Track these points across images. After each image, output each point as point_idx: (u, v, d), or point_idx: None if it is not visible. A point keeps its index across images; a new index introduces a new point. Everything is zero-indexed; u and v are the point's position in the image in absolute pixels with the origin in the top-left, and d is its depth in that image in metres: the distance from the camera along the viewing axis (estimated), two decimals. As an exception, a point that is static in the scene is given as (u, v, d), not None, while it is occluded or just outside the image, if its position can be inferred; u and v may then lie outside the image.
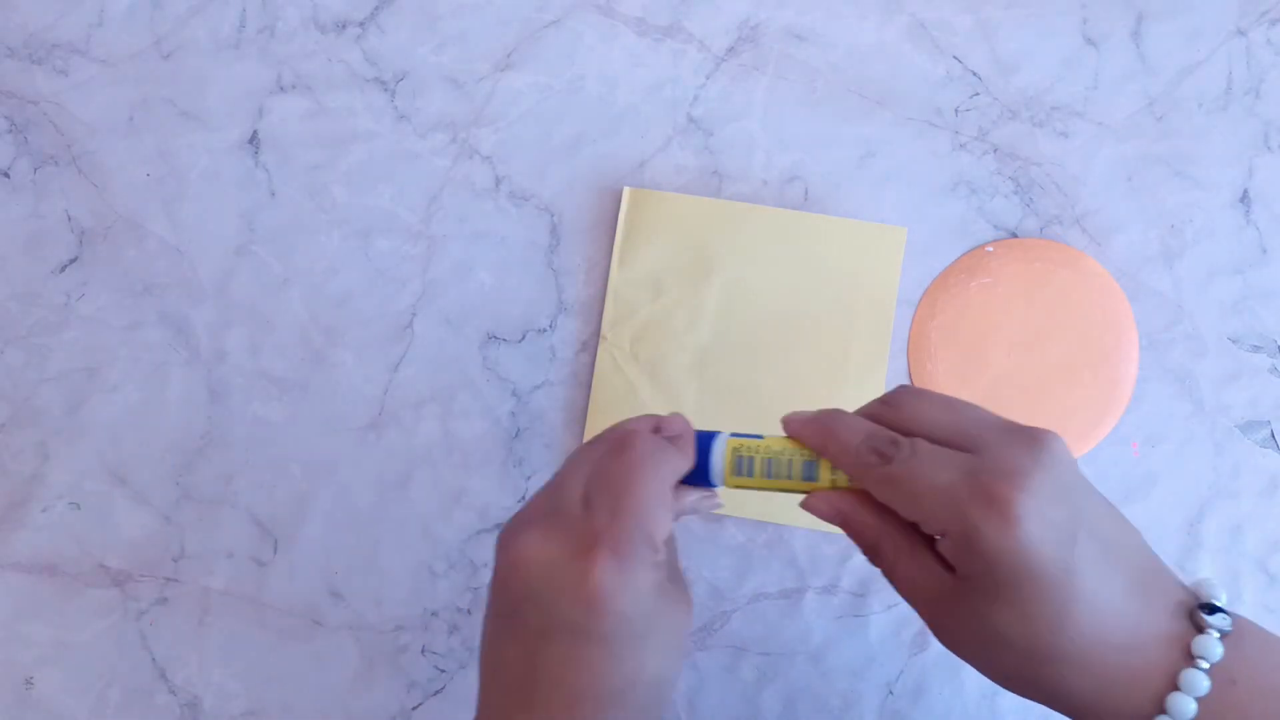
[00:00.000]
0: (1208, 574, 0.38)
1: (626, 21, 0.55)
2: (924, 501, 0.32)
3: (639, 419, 0.37)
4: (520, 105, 0.55)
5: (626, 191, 0.53)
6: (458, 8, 0.55)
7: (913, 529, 0.34)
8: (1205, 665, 0.30)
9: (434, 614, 0.52)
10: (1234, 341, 0.54)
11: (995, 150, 0.54)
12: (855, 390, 0.52)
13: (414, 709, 0.52)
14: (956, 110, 0.55)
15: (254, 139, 0.55)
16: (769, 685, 0.52)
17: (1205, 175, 0.54)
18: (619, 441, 0.35)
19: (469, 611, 0.52)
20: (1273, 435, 0.54)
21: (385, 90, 0.55)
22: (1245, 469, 0.53)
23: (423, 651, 0.52)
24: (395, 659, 0.52)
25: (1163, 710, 0.30)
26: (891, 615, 0.52)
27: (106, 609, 0.52)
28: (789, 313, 0.53)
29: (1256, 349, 0.54)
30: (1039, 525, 0.30)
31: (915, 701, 0.52)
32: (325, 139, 0.54)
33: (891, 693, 0.52)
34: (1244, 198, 0.54)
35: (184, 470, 0.53)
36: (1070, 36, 0.55)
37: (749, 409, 0.52)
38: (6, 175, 0.54)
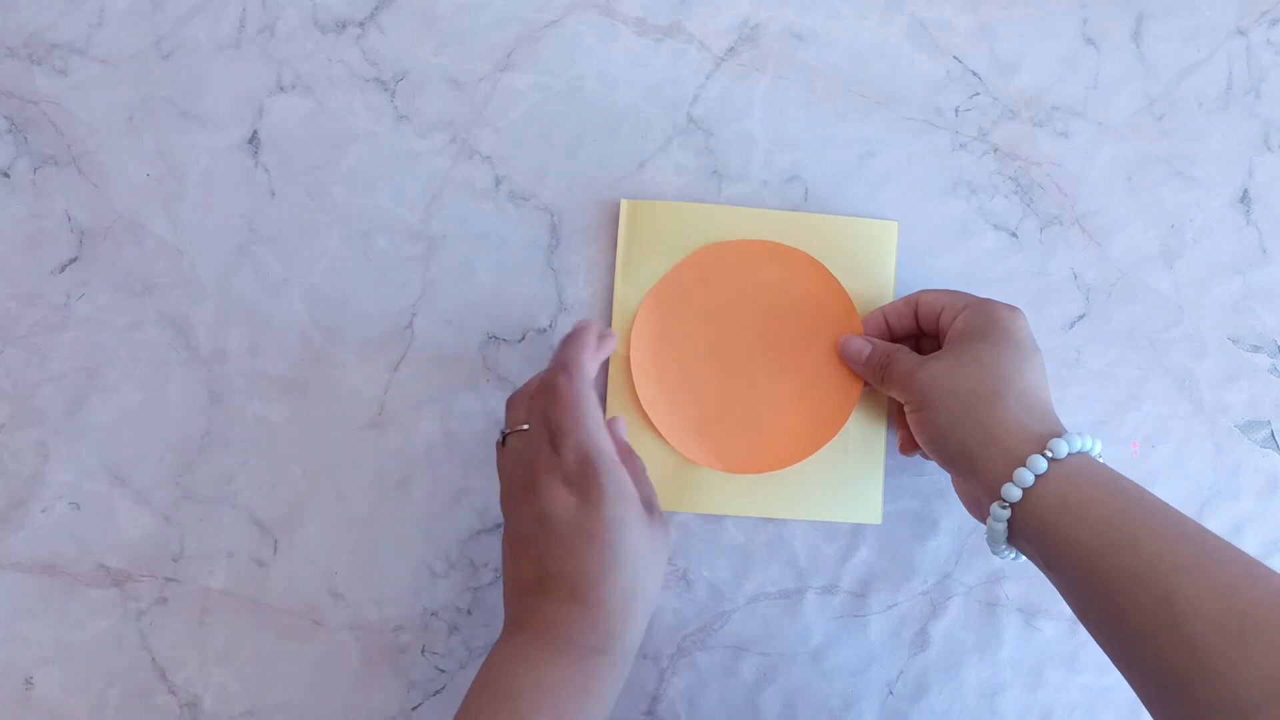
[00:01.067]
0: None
1: (626, 21, 0.55)
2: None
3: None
4: (520, 105, 0.55)
5: (624, 204, 0.53)
6: (458, 8, 0.55)
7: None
8: (1030, 475, 0.41)
9: (434, 614, 0.52)
10: (1234, 341, 0.54)
11: (995, 150, 0.54)
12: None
13: (414, 709, 0.52)
14: (956, 110, 0.55)
15: (254, 139, 0.55)
16: (769, 685, 0.52)
17: (1205, 175, 0.54)
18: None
19: (469, 611, 0.52)
20: (1273, 435, 0.54)
21: (385, 90, 0.55)
22: (1245, 469, 0.53)
23: (423, 651, 0.52)
24: (395, 659, 0.52)
25: (1010, 479, 0.42)
26: (891, 615, 0.52)
27: (106, 609, 0.52)
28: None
29: (1256, 349, 0.54)
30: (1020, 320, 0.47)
31: (915, 701, 0.52)
32: (325, 139, 0.54)
33: (891, 693, 0.52)
34: (1244, 198, 0.54)
35: (184, 470, 0.53)
36: (1070, 36, 0.55)
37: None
38: (6, 175, 0.54)
